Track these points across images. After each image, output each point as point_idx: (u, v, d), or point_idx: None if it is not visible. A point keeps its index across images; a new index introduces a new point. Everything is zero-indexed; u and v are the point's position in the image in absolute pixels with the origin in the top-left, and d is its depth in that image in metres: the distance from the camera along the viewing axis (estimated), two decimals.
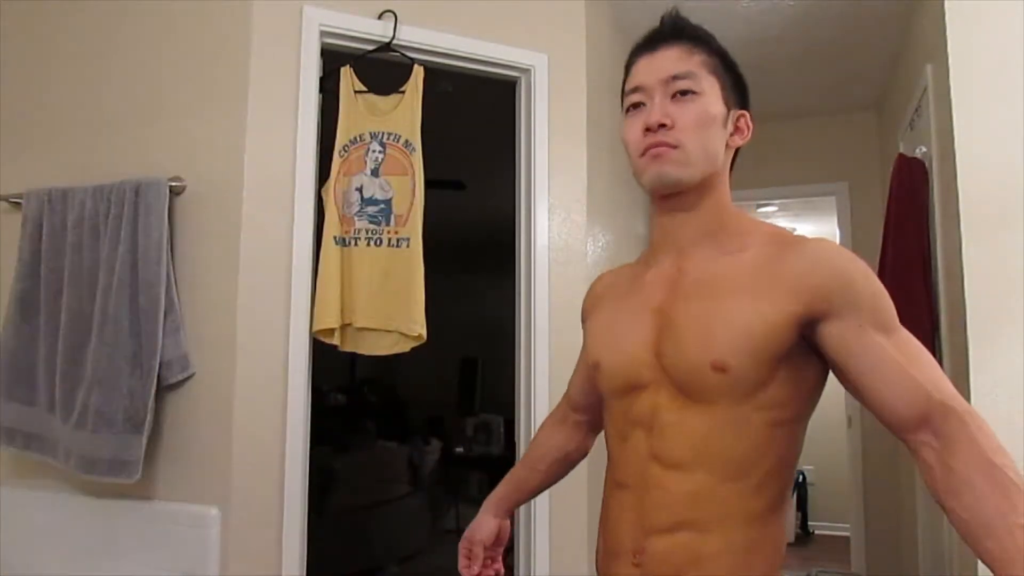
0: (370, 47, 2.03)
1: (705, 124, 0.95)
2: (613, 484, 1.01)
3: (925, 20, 2.30)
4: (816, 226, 5.06)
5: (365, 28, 2.02)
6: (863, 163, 3.62)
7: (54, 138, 2.04)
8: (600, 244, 2.47)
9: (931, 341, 2.13)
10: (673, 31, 1.00)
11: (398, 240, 1.98)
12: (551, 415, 1.33)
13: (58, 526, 1.90)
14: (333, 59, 2.03)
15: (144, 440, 1.73)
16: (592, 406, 1.22)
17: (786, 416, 0.91)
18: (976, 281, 1.80)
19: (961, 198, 1.84)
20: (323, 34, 1.98)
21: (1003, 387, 1.75)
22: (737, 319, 0.89)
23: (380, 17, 2.04)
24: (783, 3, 2.59)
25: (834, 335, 0.87)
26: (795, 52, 2.98)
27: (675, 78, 0.96)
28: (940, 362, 2.10)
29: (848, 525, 3.78)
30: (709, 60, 0.98)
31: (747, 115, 1.02)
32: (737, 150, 1.03)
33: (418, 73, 2.04)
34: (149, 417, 1.74)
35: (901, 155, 2.45)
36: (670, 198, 0.99)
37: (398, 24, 2.03)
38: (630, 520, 0.95)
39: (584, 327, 1.17)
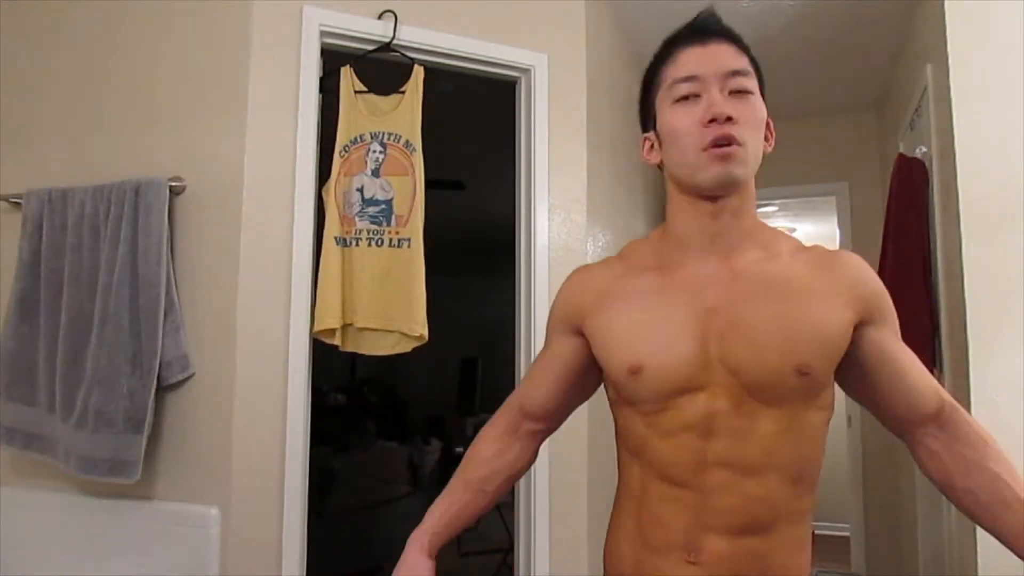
0: (370, 47, 2.03)
1: (759, 125, 0.95)
2: (661, 479, 0.96)
3: (925, 20, 2.30)
4: (816, 226, 5.05)
5: (365, 28, 2.02)
6: (863, 163, 3.62)
7: (54, 138, 2.04)
8: (600, 244, 2.47)
9: (931, 341, 2.13)
10: (722, 27, 0.98)
11: (399, 240, 1.98)
12: (492, 427, 1.16)
13: (58, 526, 1.90)
14: (333, 59, 2.03)
15: (144, 440, 1.73)
16: (557, 412, 1.14)
17: (830, 415, 0.98)
18: (976, 281, 1.80)
19: (961, 198, 1.84)
20: (323, 34, 1.97)
21: (1003, 387, 1.75)
22: (816, 322, 0.91)
23: (380, 17, 2.04)
24: (783, 3, 2.59)
25: (875, 340, 0.96)
26: (795, 52, 2.98)
27: (735, 73, 0.94)
28: (940, 362, 2.11)
29: (848, 525, 3.78)
30: (753, 63, 0.98)
31: (771, 123, 1.01)
32: None
33: (418, 73, 2.04)
34: (149, 417, 1.74)
35: (901, 155, 2.45)
36: (717, 198, 0.95)
37: (398, 24, 2.03)
38: (686, 518, 0.93)
39: (584, 325, 1.04)
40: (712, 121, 0.90)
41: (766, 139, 1.00)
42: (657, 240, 1.05)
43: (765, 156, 0.99)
